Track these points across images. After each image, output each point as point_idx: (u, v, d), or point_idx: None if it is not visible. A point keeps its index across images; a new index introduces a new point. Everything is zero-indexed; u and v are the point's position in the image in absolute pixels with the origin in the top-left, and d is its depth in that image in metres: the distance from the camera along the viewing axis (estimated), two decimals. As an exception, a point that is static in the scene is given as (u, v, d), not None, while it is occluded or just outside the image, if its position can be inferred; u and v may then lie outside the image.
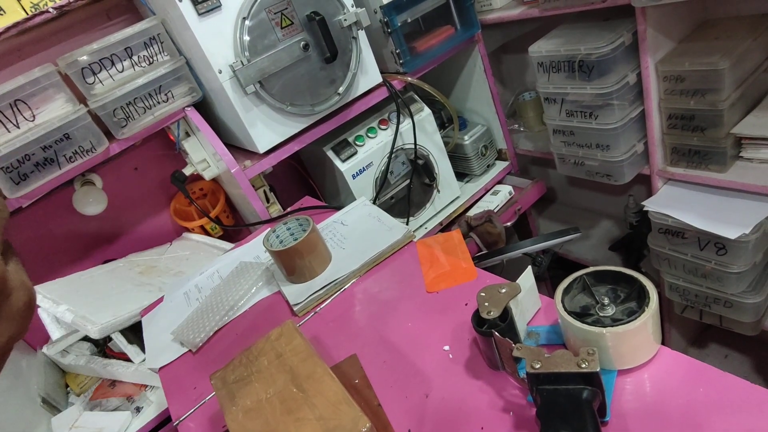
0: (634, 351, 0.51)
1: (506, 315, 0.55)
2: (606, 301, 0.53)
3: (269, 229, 0.88)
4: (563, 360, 0.47)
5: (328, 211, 1.08)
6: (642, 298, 0.51)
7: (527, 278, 0.60)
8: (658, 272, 1.32)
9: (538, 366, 0.48)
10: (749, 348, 1.49)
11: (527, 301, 0.61)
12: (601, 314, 0.53)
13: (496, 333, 0.53)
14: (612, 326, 0.49)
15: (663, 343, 0.53)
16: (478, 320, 0.56)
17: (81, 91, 1.00)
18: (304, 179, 1.51)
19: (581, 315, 0.53)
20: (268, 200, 1.25)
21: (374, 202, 1.29)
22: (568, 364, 0.47)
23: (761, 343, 1.45)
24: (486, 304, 0.56)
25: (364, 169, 1.27)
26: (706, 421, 0.45)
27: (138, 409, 1.06)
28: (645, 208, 1.21)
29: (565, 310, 0.53)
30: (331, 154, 1.26)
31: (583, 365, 0.46)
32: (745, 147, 1.06)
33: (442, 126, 1.51)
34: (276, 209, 1.26)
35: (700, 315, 1.32)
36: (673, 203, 1.17)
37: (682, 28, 1.11)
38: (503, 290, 0.57)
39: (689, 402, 0.47)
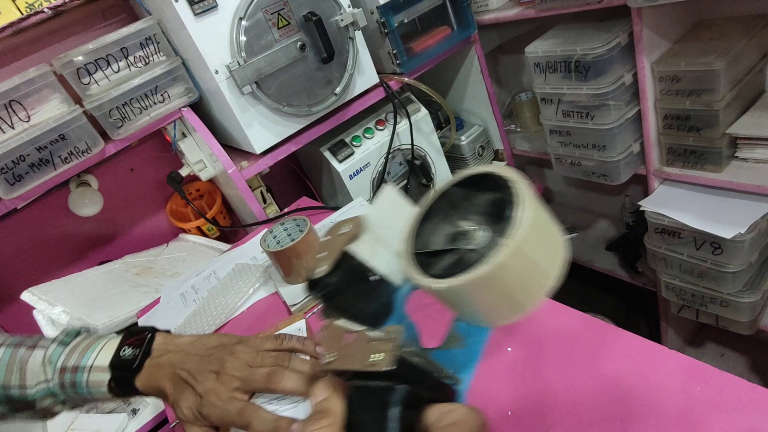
0: (509, 298, 0.31)
1: (342, 269, 0.35)
2: (472, 225, 0.33)
3: (266, 229, 0.87)
4: (357, 349, 0.31)
5: (325, 212, 1.08)
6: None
7: (386, 200, 0.37)
8: (655, 272, 1.33)
9: (331, 359, 0.32)
10: (745, 347, 1.50)
11: (393, 235, 0.36)
12: (465, 247, 0.33)
13: (324, 302, 0.36)
14: (453, 276, 0.29)
15: (660, 343, 0.51)
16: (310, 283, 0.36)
17: (76, 91, 1.00)
18: (301, 180, 1.51)
19: (441, 253, 0.33)
20: (264, 201, 1.25)
21: (371, 203, 1.29)
22: (360, 357, 0.31)
23: (757, 342, 1.45)
24: (320, 255, 0.36)
25: (361, 170, 1.27)
26: (704, 419, 0.45)
27: (134, 411, 1.05)
28: (641, 208, 1.21)
29: (414, 252, 0.33)
30: (328, 154, 1.26)
31: (373, 358, 0.30)
32: (741, 147, 1.06)
33: (439, 126, 1.51)
34: (273, 210, 1.26)
35: (697, 314, 1.32)
36: (669, 203, 1.17)
37: (678, 28, 1.11)
38: (342, 231, 0.37)
39: (687, 400, 0.47)
